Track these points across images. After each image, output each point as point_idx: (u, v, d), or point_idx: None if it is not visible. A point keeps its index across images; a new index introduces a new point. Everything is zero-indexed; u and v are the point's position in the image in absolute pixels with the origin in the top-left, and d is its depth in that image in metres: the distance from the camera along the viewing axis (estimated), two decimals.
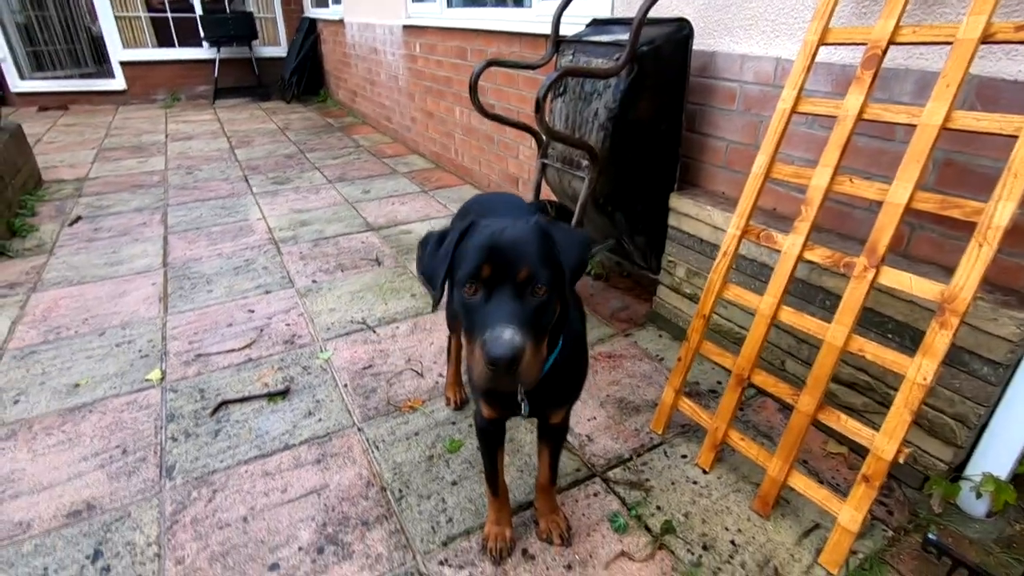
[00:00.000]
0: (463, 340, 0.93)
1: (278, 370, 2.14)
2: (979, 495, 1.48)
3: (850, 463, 1.72)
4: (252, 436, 1.81)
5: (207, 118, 6.90)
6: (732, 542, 1.47)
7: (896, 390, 1.62)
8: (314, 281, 2.84)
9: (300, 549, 1.44)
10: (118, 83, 7.67)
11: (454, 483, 1.64)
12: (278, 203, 3.96)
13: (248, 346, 2.29)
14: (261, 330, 2.40)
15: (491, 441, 1.32)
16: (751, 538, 1.48)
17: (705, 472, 1.68)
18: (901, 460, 1.31)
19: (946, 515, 1.53)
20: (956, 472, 1.55)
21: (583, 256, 1.00)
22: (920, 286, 1.32)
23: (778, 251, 1.60)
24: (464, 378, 1.96)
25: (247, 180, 4.47)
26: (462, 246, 0.93)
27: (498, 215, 1.49)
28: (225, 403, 1.96)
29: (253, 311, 2.55)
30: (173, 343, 2.30)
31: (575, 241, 0.99)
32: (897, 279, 1.36)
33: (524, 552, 1.44)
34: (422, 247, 1.02)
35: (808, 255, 1.54)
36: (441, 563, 1.41)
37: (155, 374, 2.11)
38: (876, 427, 1.70)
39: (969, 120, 1.28)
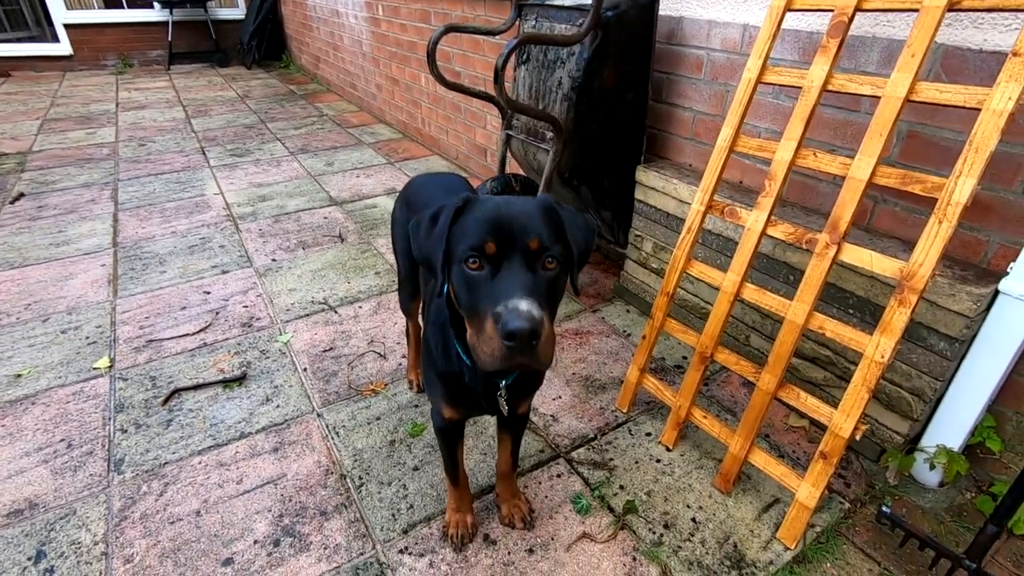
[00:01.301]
0: (467, 323, 0.86)
1: (235, 355, 2.07)
2: (932, 466, 1.51)
3: (810, 436, 1.73)
4: (206, 425, 1.75)
5: (161, 85, 6.55)
6: (693, 520, 1.47)
7: (856, 365, 1.63)
8: (274, 260, 2.74)
9: (256, 542, 1.40)
10: (63, 48, 7.21)
11: (416, 468, 1.61)
12: (237, 177, 3.80)
13: (203, 330, 2.20)
14: (217, 313, 2.31)
15: (451, 438, 1.29)
16: (712, 515, 1.49)
17: (669, 450, 1.68)
18: (858, 437, 1.31)
19: (901, 486, 1.56)
20: (912, 444, 1.58)
21: (590, 241, 0.96)
22: (880, 263, 1.30)
23: (742, 226, 1.56)
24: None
25: (204, 152, 4.27)
26: (460, 222, 0.87)
27: (437, 200, 1.43)
28: (178, 391, 1.88)
29: (209, 293, 2.45)
30: (123, 328, 2.20)
31: (583, 224, 0.95)
32: (858, 256, 1.34)
33: (486, 537, 1.42)
34: (415, 230, 0.95)
35: (771, 231, 1.51)
36: (401, 551, 1.38)
37: (103, 362, 2.01)
38: (837, 401, 1.72)
39: (933, 92, 1.25)
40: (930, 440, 1.53)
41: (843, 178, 1.35)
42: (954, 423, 1.48)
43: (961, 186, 1.18)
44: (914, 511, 1.51)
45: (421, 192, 1.47)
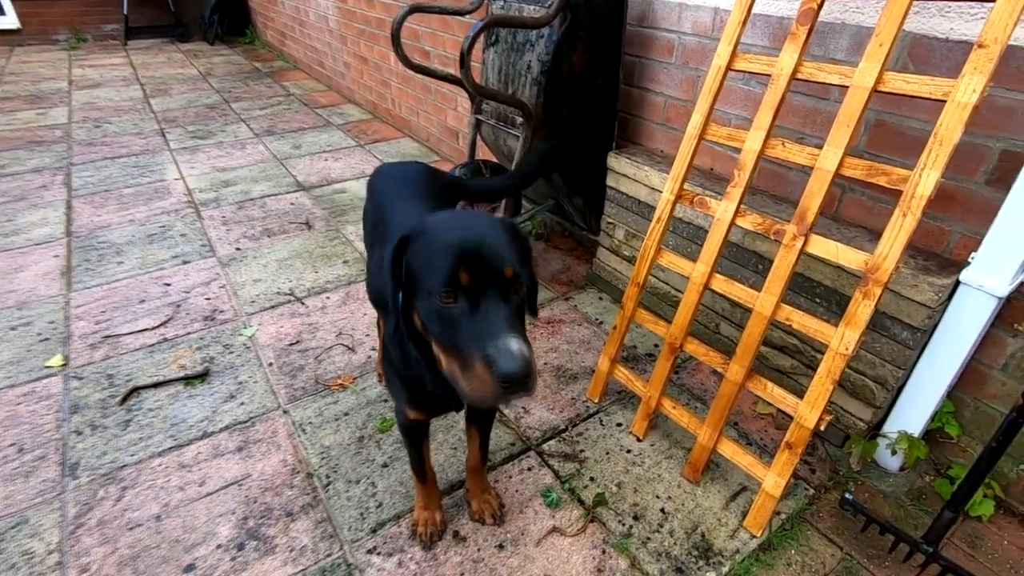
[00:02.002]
0: (442, 354, 0.84)
1: (196, 350, 2.00)
2: (894, 452, 1.54)
3: (778, 423, 1.76)
4: (167, 425, 1.70)
5: (118, 62, 6.25)
6: (662, 510, 1.48)
7: (823, 353, 1.65)
8: (238, 248, 2.65)
9: (219, 547, 1.37)
10: (10, 20, 6.81)
11: (385, 465, 1.59)
12: (199, 160, 3.66)
13: (163, 324, 2.13)
14: (178, 306, 2.23)
15: (416, 437, 1.26)
16: (680, 505, 1.50)
17: (639, 440, 1.69)
18: (823, 428, 1.33)
19: (864, 471, 1.59)
20: (874, 430, 1.61)
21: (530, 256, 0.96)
22: (846, 255, 1.30)
23: (712, 216, 1.55)
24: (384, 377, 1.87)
25: (164, 134, 4.10)
26: (421, 251, 0.83)
27: (408, 188, 1.38)
28: (137, 389, 1.82)
29: (169, 284, 2.36)
30: (77, 324, 2.11)
31: (528, 243, 0.94)
32: (824, 248, 1.34)
33: (455, 534, 1.41)
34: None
35: (740, 221, 1.50)
36: (370, 551, 1.37)
37: (56, 360, 1.93)
38: (804, 388, 1.74)
39: (899, 83, 1.23)
40: (892, 426, 1.56)
41: (811, 168, 1.34)
42: (915, 409, 1.51)
43: (925, 179, 1.17)
44: (876, 496, 1.54)
45: (380, 182, 1.42)
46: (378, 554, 1.36)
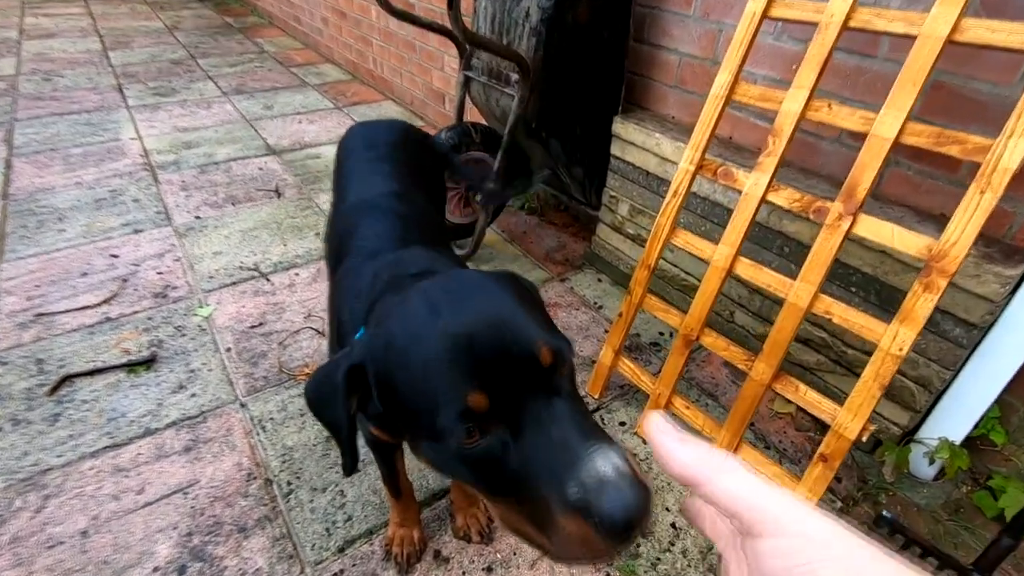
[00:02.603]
0: (488, 502, 0.56)
1: (144, 332, 1.76)
2: (932, 461, 1.37)
3: (797, 424, 1.58)
4: (103, 420, 1.47)
5: (75, 11, 5.76)
6: (673, 525, 1.31)
7: (856, 349, 1.46)
8: (197, 217, 2.38)
9: (155, 570, 1.16)
10: None
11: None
12: (159, 119, 3.33)
13: (107, 301, 1.87)
14: (125, 280, 1.98)
15: (386, 451, 1.05)
16: None
17: (645, 443, 1.50)
18: (864, 438, 1.15)
19: (896, 482, 1.43)
20: (908, 436, 1.44)
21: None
22: (904, 240, 1.10)
23: (738, 191, 1.34)
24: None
25: (121, 90, 3.74)
26: (405, 372, 0.53)
27: (377, 150, 1.16)
28: (70, 377, 1.58)
29: (117, 256, 2.10)
30: (6, 300, 1.85)
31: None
32: (877, 230, 1.14)
33: (437, 554, 1.22)
34: (312, 393, 0.64)
35: (773, 197, 1.29)
36: (336, 575, 1.17)
37: None
38: (827, 387, 1.56)
39: (982, 31, 1.02)
40: (929, 432, 1.39)
41: (855, 135, 1.13)
42: (960, 415, 1.34)
43: (1012, 148, 0.97)
44: (908, 509, 1.38)
45: (349, 141, 1.20)
46: None
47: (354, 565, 1.19)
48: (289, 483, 1.34)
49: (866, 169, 1.13)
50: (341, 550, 1.21)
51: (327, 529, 1.25)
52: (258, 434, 1.46)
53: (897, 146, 1.11)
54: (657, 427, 0.34)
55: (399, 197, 1.10)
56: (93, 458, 1.37)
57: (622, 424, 1.55)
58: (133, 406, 1.51)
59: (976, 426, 1.36)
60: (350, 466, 0.66)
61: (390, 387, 0.55)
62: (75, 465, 1.35)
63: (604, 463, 0.43)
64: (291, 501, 1.30)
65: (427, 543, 1.23)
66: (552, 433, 0.47)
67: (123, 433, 1.44)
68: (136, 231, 2.25)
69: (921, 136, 1.08)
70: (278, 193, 2.61)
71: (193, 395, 1.56)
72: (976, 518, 1.36)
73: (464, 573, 1.19)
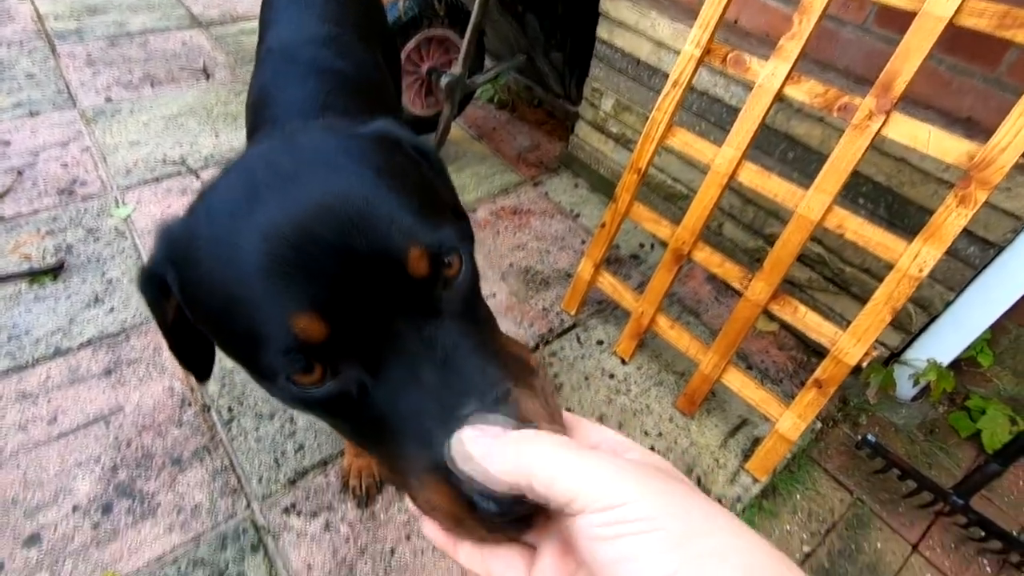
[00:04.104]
0: (370, 448, 0.41)
1: (48, 235, 1.50)
2: (916, 382, 1.33)
3: (780, 343, 1.51)
4: (2, 338, 1.25)
5: None
6: (651, 448, 1.23)
7: (854, 267, 1.36)
8: (108, 99, 2.02)
9: (75, 509, 1.01)
10: None
11: None
12: None
13: (0, 197, 1.58)
14: (21, 173, 1.67)
15: None
16: (673, 442, 1.26)
17: (624, 362, 1.40)
18: (864, 364, 1.06)
19: (877, 402, 1.39)
20: (892, 356, 1.39)
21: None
22: (941, 144, 0.95)
23: (749, 84, 1.15)
24: None
25: None
26: (208, 284, 0.36)
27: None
28: None
29: (9, 143, 1.76)
30: None
31: (436, 155, 0.47)
32: (911, 131, 0.98)
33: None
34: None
35: (790, 90, 1.11)
36: (287, 510, 1.06)
37: None
38: (818, 306, 1.47)
39: None
40: (916, 353, 1.34)
41: (885, 21, 0.95)
42: (953, 337, 1.28)
43: None
44: (887, 429, 1.35)
45: None
46: (298, 513, 1.05)
47: (307, 498, 1.08)
48: (230, 409, 1.19)
49: (910, 56, 0.95)
50: (292, 482, 1.09)
51: (275, 460, 1.12)
52: None
53: (950, 29, 0.92)
54: (468, 441, 0.30)
55: (331, 45, 0.86)
56: None
57: (599, 343, 1.44)
58: (38, 322, 1.30)
59: (965, 348, 1.31)
60: (197, 376, 0.52)
61: (198, 303, 0.38)
62: None
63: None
64: (233, 430, 1.16)
65: None
66: (423, 374, 0.33)
67: (27, 353, 1.23)
68: (31, 113, 1.89)
69: (983, 17, 0.90)
70: (207, 74, 2.23)
71: (112, 309, 1.35)
72: (950, 438, 1.35)
73: None
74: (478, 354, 0.35)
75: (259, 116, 0.76)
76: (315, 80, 0.77)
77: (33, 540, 0.97)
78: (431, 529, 0.35)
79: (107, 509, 1.02)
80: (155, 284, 0.40)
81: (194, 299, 0.38)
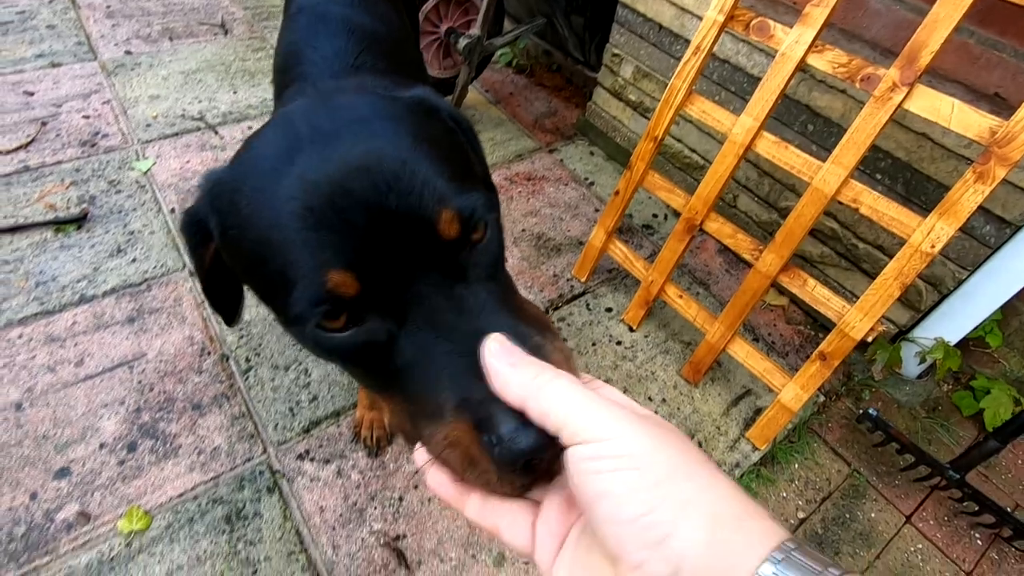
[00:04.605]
0: (381, 399, 0.45)
1: (71, 185, 1.53)
2: (923, 360, 1.34)
3: (788, 317, 1.52)
4: (30, 283, 1.30)
5: None
6: (655, 414, 1.26)
7: (868, 243, 1.36)
8: (128, 52, 2.02)
9: (102, 446, 1.07)
10: None
11: None
12: None
13: (23, 147, 1.61)
14: (45, 123, 1.69)
15: None
16: (676, 409, 1.29)
17: (632, 330, 1.42)
18: (871, 339, 1.07)
19: (882, 378, 1.40)
20: (900, 333, 1.39)
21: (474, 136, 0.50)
22: (964, 119, 0.94)
23: (771, 51, 1.13)
24: None
25: None
26: (248, 235, 0.38)
27: None
28: None
29: (32, 94, 1.78)
30: None
31: (468, 123, 0.49)
32: (933, 105, 0.97)
33: None
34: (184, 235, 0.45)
35: (814, 60, 1.09)
36: (301, 456, 1.10)
37: None
38: (829, 281, 1.48)
39: None
40: (924, 331, 1.34)
41: None
42: (963, 316, 1.28)
43: None
44: (889, 405, 1.37)
45: None
46: (312, 460, 1.10)
47: (320, 446, 1.12)
48: (248, 360, 1.23)
49: (938, 27, 0.94)
50: (306, 431, 1.14)
51: (290, 409, 1.17)
52: None
53: (982, 0, 0.90)
54: (490, 351, 0.33)
55: (361, 3, 0.86)
56: (22, 325, 1.22)
57: (608, 310, 1.46)
58: (64, 269, 1.34)
59: (974, 328, 1.31)
60: (226, 320, 0.55)
61: (236, 248, 0.40)
62: (1, 333, 1.20)
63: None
64: (250, 379, 1.20)
65: None
66: (450, 325, 0.35)
67: (55, 299, 1.28)
68: (53, 64, 1.90)
69: None
70: (224, 29, 2.22)
71: (134, 260, 1.38)
72: (952, 416, 1.36)
73: None
74: (502, 312, 0.37)
75: (289, 73, 0.77)
76: (346, 38, 0.78)
77: (63, 473, 1.03)
78: (438, 480, 0.35)
79: (132, 447, 1.07)
80: (197, 228, 0.42)
81: (233, 244, 0.40)
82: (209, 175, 0.41)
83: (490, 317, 0.36)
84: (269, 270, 0.36)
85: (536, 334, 0.36)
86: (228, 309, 0.54)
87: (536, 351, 0.34)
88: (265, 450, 1.10)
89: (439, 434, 0.34)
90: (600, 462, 0.27)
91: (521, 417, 0.31)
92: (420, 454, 0.36)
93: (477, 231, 0.38)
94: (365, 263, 0.34)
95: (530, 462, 0.31)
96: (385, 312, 0.36)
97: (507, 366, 0.32)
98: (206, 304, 1.31)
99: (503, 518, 0.34)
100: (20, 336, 1.20)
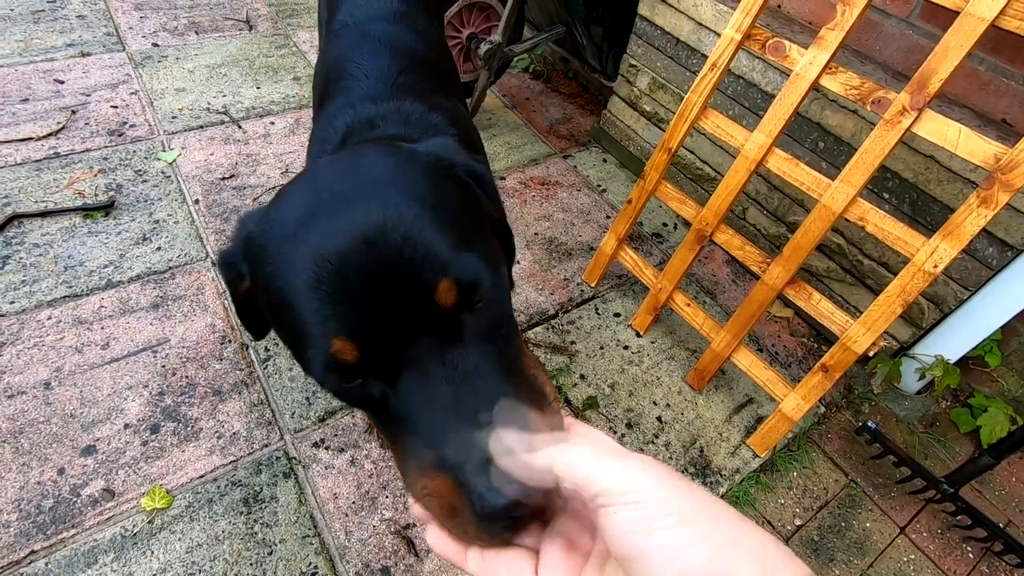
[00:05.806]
0: (387, 443, 0.49)
1: (99, 173, 1.58)
2: (922, 376, 1.37)
3: (792, 329, 1.55)
4: (59, 267, 1.34)
5: None
6: (659, 419, 1.30)
7: (873, 260, 1.39)
8: (155, 44, 2.07)
9: (126, 427, 1.11)
10: None
11: None
12: None
13: (53, 134, 1.65)
14: (74, 112, 1.74)
15: None
16: (679, 414, 1.32)
17: (639, 335, 1.46)
18: (872, 353, 1.11)
19: (881, 392, 1.44)
20: (901, 349, 1.42)
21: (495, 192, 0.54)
22: (970, 145, 0.97)
23: (786, 71, 1.17)
24: None
25: None
26: (271, 291, 0.42)
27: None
28: (18, 217, 1.42)
29: (62, 82, 1.83)
30: None
31: (487, 174, 0.52)
32: (940, 130, 1.00)
33: None
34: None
35: (826, 80, 1.12)
36: (316, 444, 1.14)
37: None
38: (833, 295, 1.51)
39: None
40: (925, 348, 1.37)
41: (933, 16, 0.96)
42: (962, 335, 1.31)
43: None
44: (888, 419, 1.40)
45: None
46: (327, 448, 1.14)
47: (335, 435, 1.16)
48: (267, 349, 1.28)
49: (948, 55, 0.97)
50: (322, 420, 1.18)
51: (307, 398, 1.21)
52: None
53: (993, 30, 0.94)
54: (502, 449, 0.34)
55: (403, 20, 0.90)
56: (51, 307, 1.26)
57: (617, 315, 1.50)
58: (92, 255, 1.38)
59: (974, 347, 1.34)
60: (254, 335, 0.59)
61: (262, 296, 0.44)
62: (31, 313, 1.25)
63: (500, 445, 0.34)
64: (269, 368, 1.24)
65: None
66: (439, 389, 0.38)
67: (82, 283, 1.32)
68: (83, 54, 1.95)
69: None
70: (249, 25, 2.27)
71: (159, 248, 1.43)
72: (949, 432, 1.39)
73: None
74: (491, 377, 0.39)
75: (332, 86, 0.81)
76: (388, 57, 0.81)
77: (89, 451, 1.07)
78: (437, 538, 0.38)
79: (155, 429, 1.11)
80: (232, 267, 0.47)
81: (259, 291, 0.44)
82: (244, 222, 0.46)
83: (478, 383, 0.38)
84: (287, 324, 0.41)
85: (528, 405, 0.38)
86: (257, 328, 0.58)
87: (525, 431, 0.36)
88: (282, 437, 1.14)
89: (418, 484, 0.38)
90: (649, 522, 0.28)
91: (499, 472, 0.33)
92: (417, 508, 0.39)
93: (477, 294, 0.40)
94: (366, 331, 0.38)
95: (512, 515, 0.33)
96: (380, 374, 0.40)
97: (525, 455, 0.33)
98: (227, 294, 1.35)
99: (502, 569, 0.35)
100: (50, 318, 1.25)
